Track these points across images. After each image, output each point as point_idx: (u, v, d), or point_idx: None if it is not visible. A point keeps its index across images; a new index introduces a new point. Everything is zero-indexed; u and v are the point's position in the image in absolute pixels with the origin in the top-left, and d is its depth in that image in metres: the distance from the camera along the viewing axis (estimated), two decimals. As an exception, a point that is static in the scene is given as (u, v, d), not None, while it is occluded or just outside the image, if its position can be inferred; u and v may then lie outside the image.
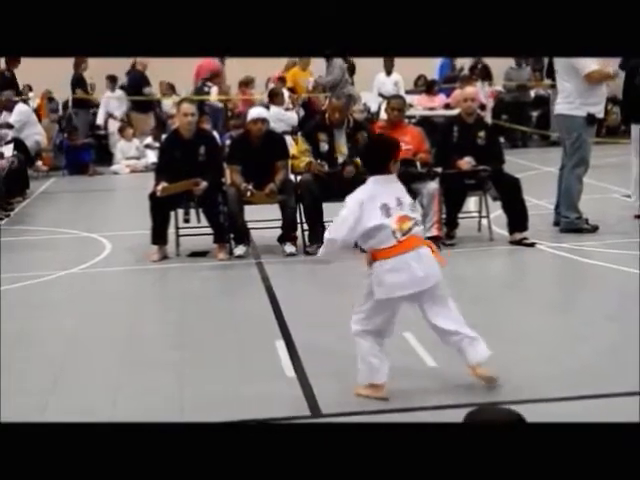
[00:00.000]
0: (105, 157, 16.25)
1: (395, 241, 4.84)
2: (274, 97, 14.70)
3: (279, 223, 8.70)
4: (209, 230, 8.58)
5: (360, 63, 17.87)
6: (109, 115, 16.67)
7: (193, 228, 8.69)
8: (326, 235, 5.04)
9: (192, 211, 8.57)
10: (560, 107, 9.15)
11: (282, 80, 16.36)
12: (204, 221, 8.58)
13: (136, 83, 16.65)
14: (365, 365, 4.98)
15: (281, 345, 5.90)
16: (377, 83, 17.11)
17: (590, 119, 8.94)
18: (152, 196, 8.45)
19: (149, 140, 15.72)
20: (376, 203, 4.87)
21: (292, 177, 8.89)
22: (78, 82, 16.49)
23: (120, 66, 16.13)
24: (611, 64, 9.44)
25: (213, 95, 16.29)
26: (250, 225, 8.75)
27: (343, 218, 4.92)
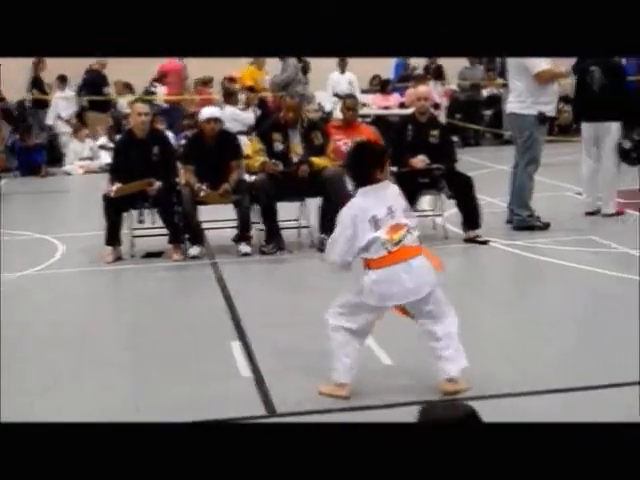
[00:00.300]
0: (58, 158, 16.11)
1: (386, 252, 4.79)
2: (229, 97, 14.66)
3: (234, 223, 8.69)
4: (163, 231, 8.54)
5: (314, 62, 17.89)
6: (58, 116, 16.53)
7: (147, 229, 8.65)
8: (326, 257, 4.98)
9: (146, 212, 8.52)
10: (512, 106, 9.24)
11: (232, 80, 16.35)
12: (158, 222, 8.53)
13: (94, 82, 16.52)
14: (340, 363, 4.95)
15: (236, 345, 5.90)
16: (331, 82, 17.13)
17: (541, 118, 9.04)
18: (106, 197, 8.40)
19: (103, 140, 15.58)
20: (366, 216, 4.79)
21: (246, 177, 8.87)
22: (35, 82, 16.34)
23: (78, 66, 15.96)
24: (565, 64, 9.54)
25: (160, 95, 16.20)
26: (205, 225, 8.73)
27: (336, 238, 4.88)
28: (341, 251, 4.85)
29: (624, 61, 14.62)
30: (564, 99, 13.66)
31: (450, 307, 4.98)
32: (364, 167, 4.91)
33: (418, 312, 4.95)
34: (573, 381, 5.11)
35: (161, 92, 16.19)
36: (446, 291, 6.14)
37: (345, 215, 4.88)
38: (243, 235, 8.61)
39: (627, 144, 9.87)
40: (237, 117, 14.27)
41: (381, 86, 17.17)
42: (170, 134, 12.12)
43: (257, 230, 8.74)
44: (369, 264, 4.84)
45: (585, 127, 9.96)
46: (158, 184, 8.28)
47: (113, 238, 8.42)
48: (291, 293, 7.37)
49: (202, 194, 8.37)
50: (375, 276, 4.81)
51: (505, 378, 5.18)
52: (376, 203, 4.83)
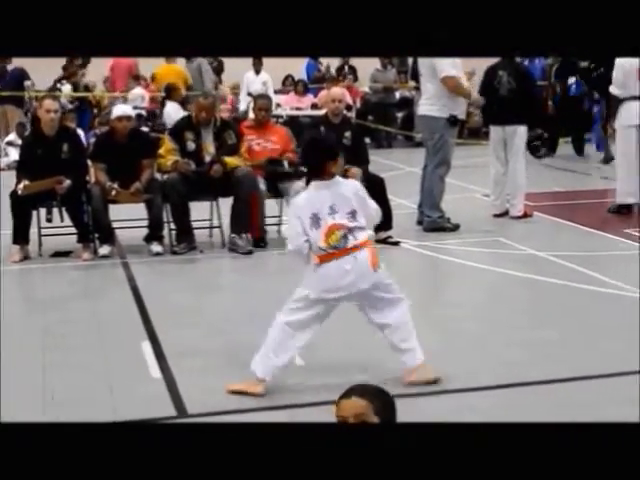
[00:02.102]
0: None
1: (324, 252, 4.84)
2: (171, 92, 14.37)
3: (145, 222, 8.61)
4: (73, 230, 8.42)
5: (229, 62, 17.88)
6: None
7: (56, 228, 8.50)
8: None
9: (55, 210, 8.38)
10: (423, 108, 9.37)
11: (137, 78, 16.30)
12: (67, 220, 8.41)
13: (18, 79, 16.15)
14: (268, 358, 4.96)
15: (147, 346, 5.85)
16: (246, 82, 17.11)
17: (452, 120, 9.18)
18: (13, 195, 8.23)
19: (12, 137, 15.24)
20: (307, 214, 4.83)
21: (159, 176, 8.80)
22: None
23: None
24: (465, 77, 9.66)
25: (65, 92, 15.95)
26: (115, 224, 8.63)
27: (289, 227, 5.00)
28: (293, 241, 4.91)
29: (530, 65, 15.02)
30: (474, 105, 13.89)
31: (400, 297, 5.10)
32: (314, 160, 4.96)
33: (367, 304, 5.04)
34: (486, 379, 5.21)
35: (66, 89, 15.92)
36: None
37: (290, 212, 5.04)
38: (154, 234, 8.54)
39: (535, 141, 10.11)
40: (178, 113, 13.98)
41: (294, 87, 17.20)
42: (80, 132, 11.94)
43: (169, 229, 8.67)
44: (314, 257, 4.90)
45: (493, 130, 10.16)
46: (67, 182, 8.15)
47: (21, 237, 8.26)
48: (203, 293, 7.34)
49: (113, 193, 8.28)
50: (318, 269, 4.89)
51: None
52: (320, 199, 4.85)
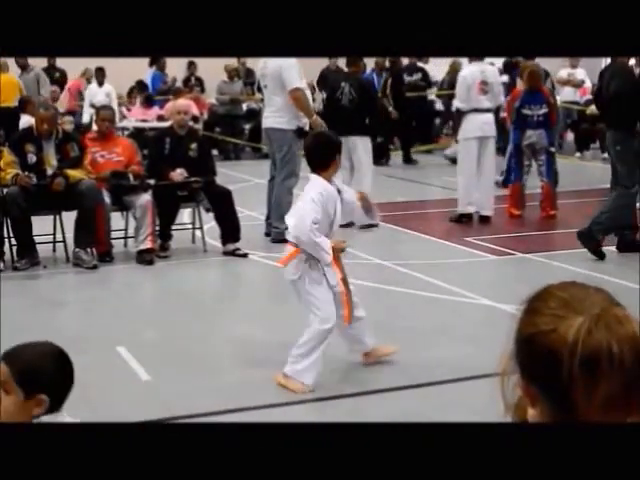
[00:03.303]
0: None
1: None
2: (26, 105, 13.82)
3: (-16, 238, 8.33)
4: None
5: (72, 72, 17.53)
6: None
7: None
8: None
9: None
10: (269, 121, 9.41)
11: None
12: None
13: None
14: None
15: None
16: (89, 93, 16.80)
17: (299, 132, 9.27)
18: None
19: None
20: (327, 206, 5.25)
21: (-2, 190, 8.52)
22: None
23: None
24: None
25: None
26: (-48, 240, 8.31)
27: (305, 216, 5.13)
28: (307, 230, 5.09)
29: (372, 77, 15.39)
30: (319, 114, 14.06)
31: (314, 315, 5.21)
32: (327, 154, 5.23)
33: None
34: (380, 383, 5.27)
35: None
36: (206, 303, 6.19)
37: (314, 200, 5.12)
38: (-6, 250, 8.27)
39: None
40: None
41: (144, 99, 16.98)
42: None
43: (9, 245, 8.40)
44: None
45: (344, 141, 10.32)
46: None
47: None
48: (46, 309, 7.14)
49: (-51, 208, 7.97)
50: None
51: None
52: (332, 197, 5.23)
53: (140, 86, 17.78)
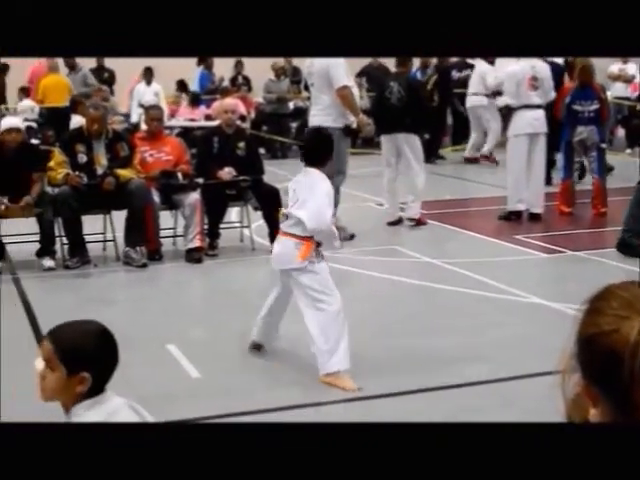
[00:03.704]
0: None
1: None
2: (77, 105, 13.99)
3: (37, 237, 8.43)
4: (-40, 246, 8.18)
5: (121, 72, 17.67)
6: None
7: (-57, 244, 8.26)
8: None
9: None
10: (317, 119, 9.39)
11: (25, 91, 15.97)
12: (-45, 236, 8.18)
13: None
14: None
15: (40, 363, 5.70)
16: (137, 93, 16.93)
17: (347, 131, 9.25)
18: None
19: None
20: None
21: (49, 189, 8.62)
22: None
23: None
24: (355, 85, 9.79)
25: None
26: (5, 240, 8.42)
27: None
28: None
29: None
30: (367, 112, 14.03)
31: (324, 302, 5.30)
32: (324, 151, 5.54)
33: (295, 289, 5.45)
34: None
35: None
36: (255, 302, 6.21)
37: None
38: (46, 249, 8.36)
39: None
40: None
41: (191, 98, 17.08)
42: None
43: (61, 244, 8.51)
44: None
45: (385, 139, 10.29)
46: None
47: None
48: (96, 307, 7.19)
49: (2, 208, 8.09)
50: None
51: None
52: (292, 183, 5.55)
53: (181, 86, 17.91)
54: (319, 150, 5.52)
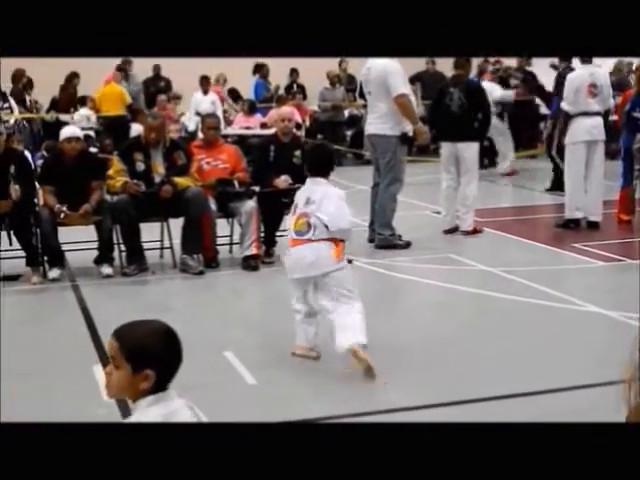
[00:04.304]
0: None
1: (294, 236, 5.68)
2: (136, 114, 14.23)
3: (95, 244, 8.53)
4: (21, 253, 8.31)
5: (178, 81, 17.85)
6: None
7: (4, 251, 8.40)
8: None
9: (3, 233, 8.27)
10: (373, 127, 9.40)
11: (82, 100, 16.22)
12: (16, 244, 8.30)
13: None
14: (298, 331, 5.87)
15: (99, 369, 5.78)
16: (194, 102, 17.08)
17: (404, 138, 9.23)
18: (-41, 219, 8.11)
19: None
20: (295, 203, 5.81)
21: (108, 197, 8.73)
22: None
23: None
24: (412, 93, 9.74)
25: (15, 113, 15.78)
26: (65, 247, 8.54)
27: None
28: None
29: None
30: (422, 119, 13.98)
31: (353, 298, 5.62)
32: (328, 165, 5.97)
33: (320, 290, 5.63)
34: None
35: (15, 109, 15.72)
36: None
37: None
38: (105, 256, 8.46)
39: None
40: None
41: (248, 107, 17.17)
42: (28, 153, 11.80)
43: (119, 251, 8.60)
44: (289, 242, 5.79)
45: (444, 146, 10.23)
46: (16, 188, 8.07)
47: (-32, 261, 8.14)
48: (154, 315, 7.21)
49: (62, 215, 8.20)
50: (288, 252, 5.80)
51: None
52: (304, 192, 5.79)
53: (232, 94, 18.03)
54: (323, 163, 5.97)
